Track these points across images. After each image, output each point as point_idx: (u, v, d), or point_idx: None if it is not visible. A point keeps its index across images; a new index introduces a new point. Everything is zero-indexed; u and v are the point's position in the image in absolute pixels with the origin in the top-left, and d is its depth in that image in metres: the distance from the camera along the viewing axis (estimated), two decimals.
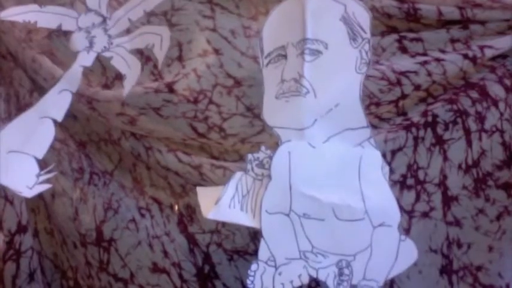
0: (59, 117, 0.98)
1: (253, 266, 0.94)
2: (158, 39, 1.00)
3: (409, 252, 0.95)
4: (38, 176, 0.96)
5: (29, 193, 0.96)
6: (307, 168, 0.94)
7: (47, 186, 0.97)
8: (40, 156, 0.96)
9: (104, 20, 0.99)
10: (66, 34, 1.09)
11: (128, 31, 1.01)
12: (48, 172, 0.97)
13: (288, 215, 0.94)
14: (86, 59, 0.99)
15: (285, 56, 0.96)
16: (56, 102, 0.98)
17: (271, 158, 0.95)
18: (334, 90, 0.95)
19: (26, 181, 0.95)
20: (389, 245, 0.94)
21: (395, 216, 0.95)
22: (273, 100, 0.96)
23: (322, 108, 0.95)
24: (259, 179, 0.96)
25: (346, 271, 0.93)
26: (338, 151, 0.95)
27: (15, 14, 0.99)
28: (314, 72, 0.94)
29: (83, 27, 0.98)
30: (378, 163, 0.96)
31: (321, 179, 0.94)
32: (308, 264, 0.94)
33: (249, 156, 0.96)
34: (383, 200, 0.95)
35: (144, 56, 1.05)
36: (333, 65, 0.95)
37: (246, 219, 0.95)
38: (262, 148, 0.96)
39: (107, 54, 1.00)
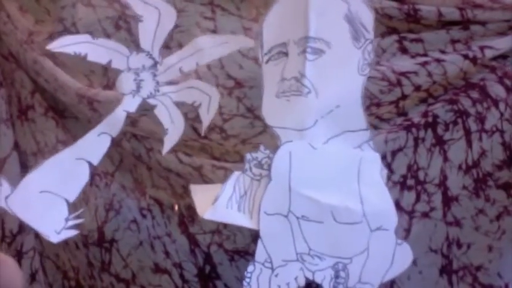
0: (95, 161, 0.94)
1: (250, 267, 0.94)
2: (206, 100, 0.96)
3: (404, 256, 0.95)
4: (67, 220, 0.92)
5: (56, 238, 0.92)
6: (307, 170, 0.93)
7: (74, 232, 0.93)
8: (71, 199, 0.92)
9: (155, 64, 0.94)
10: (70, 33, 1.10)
11: (176, 81, 0.96)
12: (77, 217, 0.93)
13: (286, 217, 0.93)
14: (130, 104, 0.95)
15: (285, 54, 0.95)
16: (94, 145, 0.93)
17: (269, 158, 0.94)
18: (335, 91, 0.94)
19: (54, 225, 0.91)
20: (385, 249, 0.94)
21: (392, 220, 0.94)
22: (273, 99, 0.94)
23: (323, 109, 0.93)
24: (257, 179, 0.95)
25: (342, 274, 0.93)
26: (338, 153, 0.94)
27: (66, 44, 0.94)
28: (316, 71, 0.93)
29: (133, 68, 0.93)
30: (376, 166, 0.95)
31: (321, 181, 0.94)
32: (305, 266, 0.94)
33: (248, 155, 0.95)
34: (381, 203, 0.94)
35: None
36: (335, 65, 0.93)
37: (243, 220, 0.95)
38: (261, 148, 0.95)
39: (152, 101, 0.95)
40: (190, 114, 1.04)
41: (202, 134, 0.98)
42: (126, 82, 0.94)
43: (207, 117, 0.96)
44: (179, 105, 0.96)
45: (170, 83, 0.96)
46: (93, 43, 0.94)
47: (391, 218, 0.94)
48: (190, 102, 0.96)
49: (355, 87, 0.94)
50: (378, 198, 0.94)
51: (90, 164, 0.93)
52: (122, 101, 0.95)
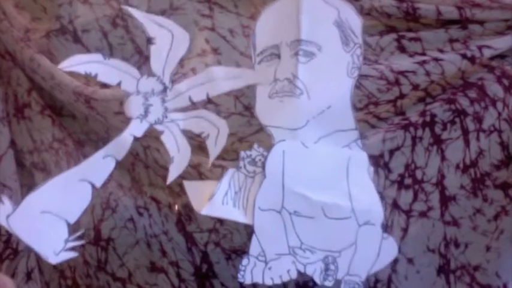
0: (99, 183, 0.93)
1: (244, 261, 0.97)
2: (215, 132, 0.95)
3: (390, 250, 0.99)
4: (66, 241, 0.91)
5: (54, 259, 0.91)
6: (300, 168, 0.97)
7: (73, 254, 0.92)
8: (72, 220, 0.92)
9: (165, 89, 0.93)
10: (65, 33, 1.10)
11: (185, 108, 0.95)
12: (77, 239, 0.92)
13: (279, 212, 0.97)
14: (137, 129, 0.93)
15: (278, 56, 0.98)
16: (98, 167, 0.93)
17: (263, 155, 0.97)
18: (327, 92, 0.97)
19: (54, 246, 0.91)
20: (372, 243, 0.98)
21: (379, 215, 0.98)
22: (266, 99, 0.98)
23: (314, 110, 0.97)
24: (251, 176, 0.97)
25: (331, 266, 0.97)
26: (328, 152, 0.98)
27: (77, 63, 0.93)
28: (308, 73, 0.96)
29: (142, 92, 0.92)
30: (364, 164, 0.99)
31: (312, 178, 0.97)
32: (297, 259, 0.98)
33: (242, 153, 0.98)
34: (368, 199, 0.98)
35: (143, 56, 1.05)
36: (326, 67, 0.97)
37: (238, 216, 0.98)
38: (255, 146, 0.98)
39: (159, 127, 0.94)
40: None
41: (209, 166, 0.99)
42: (134, 105, 0.93)
43: (214, 150, 0.96)
44: (186, 133, 0.96)
45: (178, 110, 0.95)
46: (104, 63, 0.93)
47: (378, 213, 0.98)
48: (198, 132, 0.96)
49: (345, 89, 0.98)
50: (365, 195, 0.98)
51: (93, 186, 0.93)
52: (129, 125, 0.94)
